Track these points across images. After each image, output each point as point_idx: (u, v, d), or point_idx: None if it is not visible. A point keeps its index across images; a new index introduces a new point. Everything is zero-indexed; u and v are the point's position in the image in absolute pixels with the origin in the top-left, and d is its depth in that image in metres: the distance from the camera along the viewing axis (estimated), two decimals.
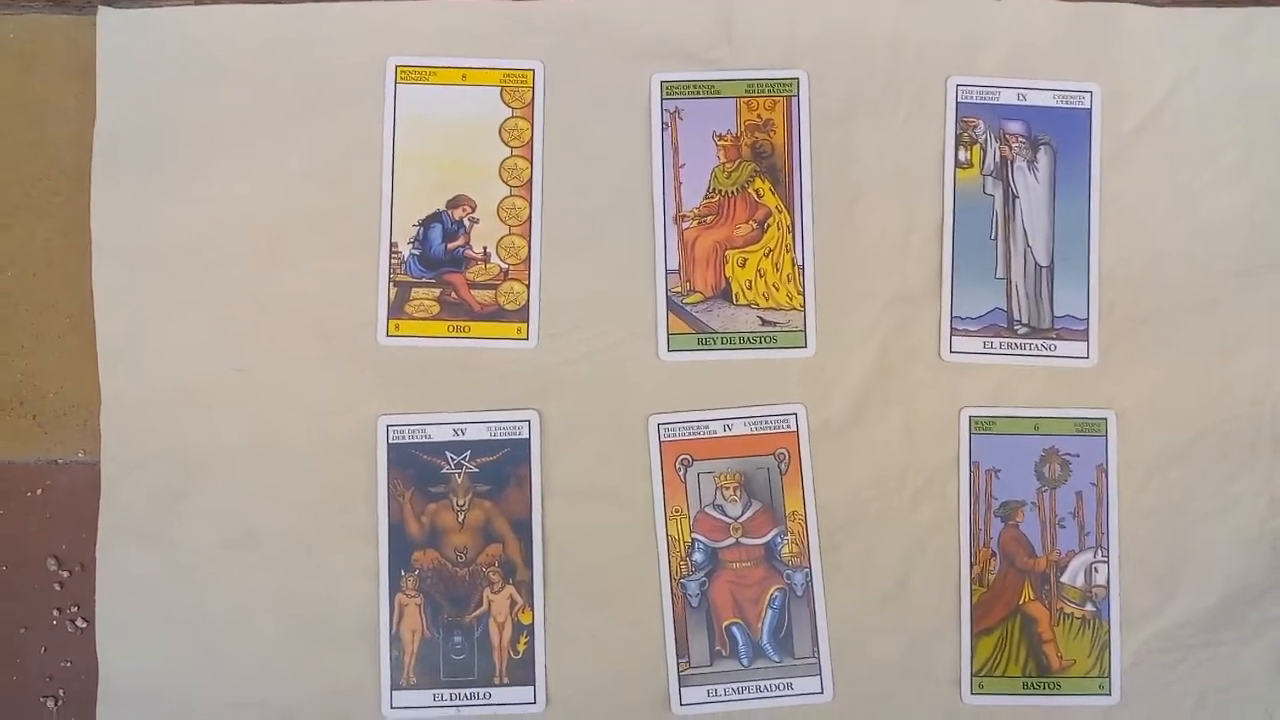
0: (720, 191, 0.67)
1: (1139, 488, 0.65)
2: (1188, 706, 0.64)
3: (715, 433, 0.66)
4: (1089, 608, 0.65)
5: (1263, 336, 0.66)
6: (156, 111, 0.66)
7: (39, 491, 0.67)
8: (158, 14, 0.67)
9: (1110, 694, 0.64)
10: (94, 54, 0.66)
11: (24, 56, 0.68)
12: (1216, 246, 0.66)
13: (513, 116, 0.67)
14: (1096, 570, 0.65)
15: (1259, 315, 0.66)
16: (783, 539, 0.65)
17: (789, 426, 0.65)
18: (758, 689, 0.64)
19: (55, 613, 0.67)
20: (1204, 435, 0.65)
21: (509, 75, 0.67)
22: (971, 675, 0.64)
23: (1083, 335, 0.66)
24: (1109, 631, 0.65)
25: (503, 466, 0.65)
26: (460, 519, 0.65)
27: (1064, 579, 0.65)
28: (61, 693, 0.66)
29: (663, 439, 0.65)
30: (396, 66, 0.67)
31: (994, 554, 0.65)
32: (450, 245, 0.67)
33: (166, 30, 0.66)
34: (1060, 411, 0.66)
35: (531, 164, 0.67)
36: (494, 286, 0.67)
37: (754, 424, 0.66)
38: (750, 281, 0.66)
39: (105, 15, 0.66)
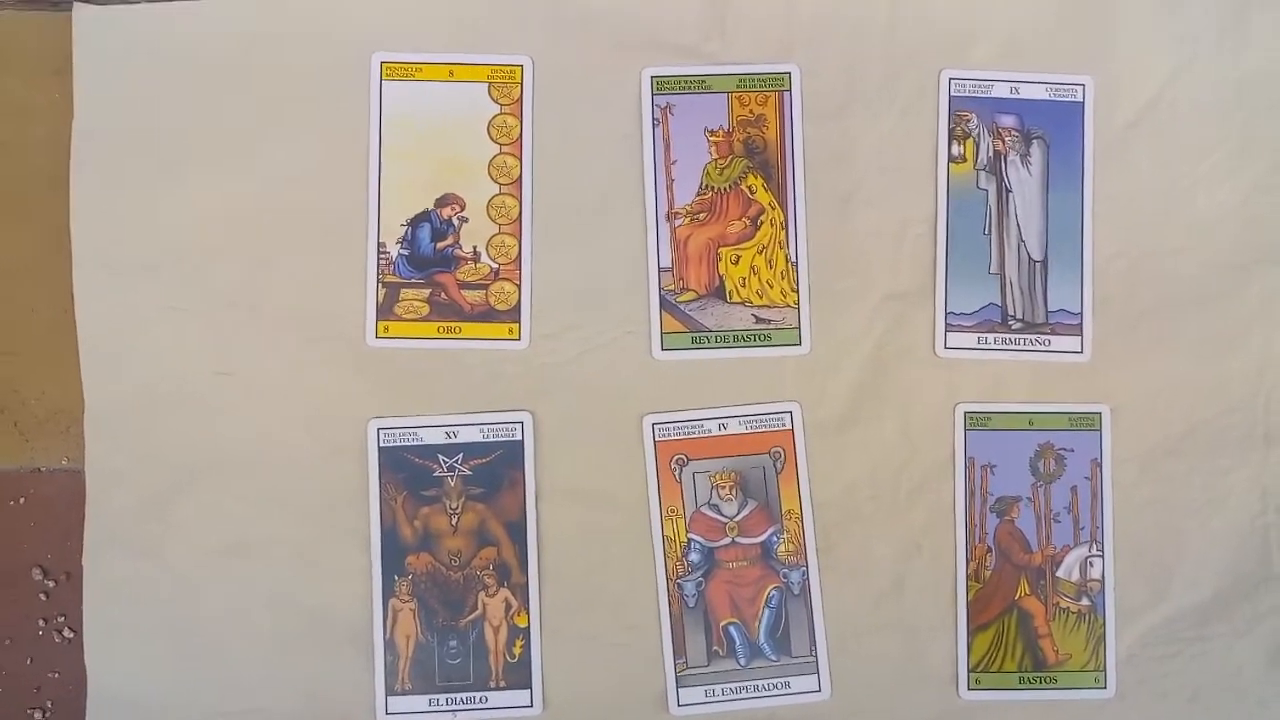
0: (712, 188, 0.66)
1: (1133, 482, 0.65)
2: (1183, 699, 0.64)
3: (710, 432, 0.65)
4: (1084, 602, 0.65)
5: (1256, 331, 0.66)
6: (136, 110, 0.65)
7: (22, 500, 0.66)
8: (136, 10, 0.65)
9: (1106, 687, 0.64)
10: (70, 52, 0.65)
11: None
12: (1210, 240, 0.66)
13: (501, 113, 0.66)
14: (1092, 564, 0.65)
15: (1253, 310, 0.66)
16: (779, 538, 0.65)
17: (784, 425, 0.65)
18: (755, 688, 0.64)
19: (41, 623, 0.66)
20: (1197, 429, 0.65)
21: (497, 71, 0.66)
22: (968, 671, 0.65)
23: (1077, 330, 0.66)
24: (1104, 625, 0.65)
25: (496, 468, 0.65)
26: (453, 522, 0.65)
27: (1059, 574, 0.65)
28: (49, 704, 0.65)
29: (657, 439, 0.65)
30: (382, 63, 0.65)
31: (990, 549, 0.65)
32: (439, 245, 0.66)
33: (145, 27, 0.65)
34: (1055, 406, 0.66)
35: (521, 161, 0.66)
36: (484, 286, 0.66)
37: (749, 423, 0.65)
38: (744, 279, 0.66)
39: (81, 12, 0.65)
